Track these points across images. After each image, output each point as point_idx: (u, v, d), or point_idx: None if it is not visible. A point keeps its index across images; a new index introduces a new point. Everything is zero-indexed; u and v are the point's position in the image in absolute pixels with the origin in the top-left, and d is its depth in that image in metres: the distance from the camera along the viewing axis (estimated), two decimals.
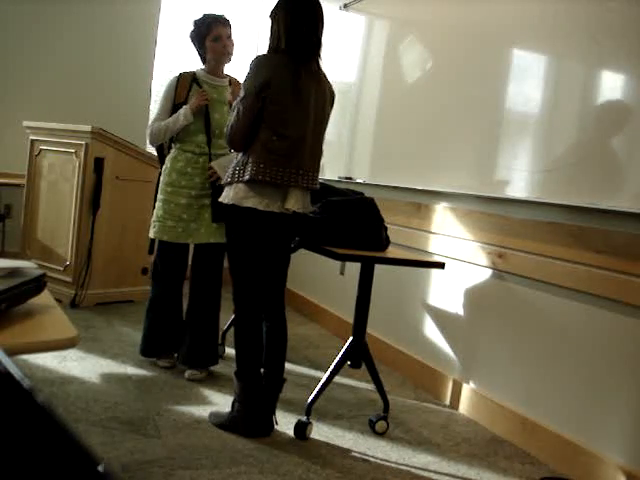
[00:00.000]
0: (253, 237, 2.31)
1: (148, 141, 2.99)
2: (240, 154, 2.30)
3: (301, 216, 2.37)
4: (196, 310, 2.95)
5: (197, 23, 2.87)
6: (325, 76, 2.37)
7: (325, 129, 2.40)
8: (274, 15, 2.28)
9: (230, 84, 2.96)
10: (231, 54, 2.89)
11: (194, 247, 2.94)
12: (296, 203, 2.27)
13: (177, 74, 2.93)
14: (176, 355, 2.98)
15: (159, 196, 2.89)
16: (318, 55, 2.30)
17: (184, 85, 2.87)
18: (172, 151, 2.90)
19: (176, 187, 2.83)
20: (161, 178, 2.91)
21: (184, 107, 2.80)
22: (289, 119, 2.23)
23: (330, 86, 2.40)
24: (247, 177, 2.20)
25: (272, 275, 2.43)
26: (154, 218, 2.88)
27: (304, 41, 2.24)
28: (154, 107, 5.01)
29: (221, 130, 2.80)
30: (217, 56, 2.85)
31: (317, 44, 2.28)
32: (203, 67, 2.94)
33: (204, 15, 2.88)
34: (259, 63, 2.24)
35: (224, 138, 2.45)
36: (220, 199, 2.33)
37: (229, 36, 2.86)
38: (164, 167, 2.92)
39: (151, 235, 2.90)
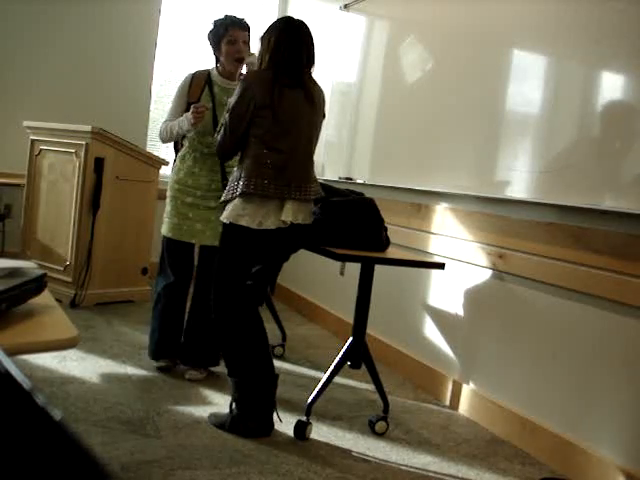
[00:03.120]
0: (247, 254, 2.34)
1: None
2: (235, 171, 2.35)
3: (302, 227, 2.36)
4: (198, 311, 2.93)
5: (216, 23, 2.83)
6: (319, 95, 2.42)
7: (316, 144, 2.45)
8: (262, 38, 2.36)
9: None
10: (244, 59, 2.81)
11: (200, 248, 2.93)
12: (293, 215, 2.28)
13: (192, 72, 2.91)
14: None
15: (168, 193, 2.92)
16: (306, 74, 2.35)
17: (198, 84, 2.85)
18: (182, 149, 2.91)
19: (182, 185, 2.85)
20: (171, 175, 2.95)
21: (185, 115, 2.76)
22: (279, 133, 2.28)
23: (324, 103, 2.45)
24: (239, 191, 2.25)
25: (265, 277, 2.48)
26: (165, 214, 2.93)
27: (287, 62, 2.29)
28: (154, 107, 5.02)
29: None
30: (229, 59, 2.81)
31: (301, 64, 2.32)
32: (217, 67, 2.91)
33: (225, 16, 2.84)
34: (247, 80, 2.31)
35: None
36: (221, 218, 2.36)
37: (245, 41, 2.82)
38: (174, 165, 2.93)
39: (162, 231, 2.93)
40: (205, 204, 2.82)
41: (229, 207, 2.31)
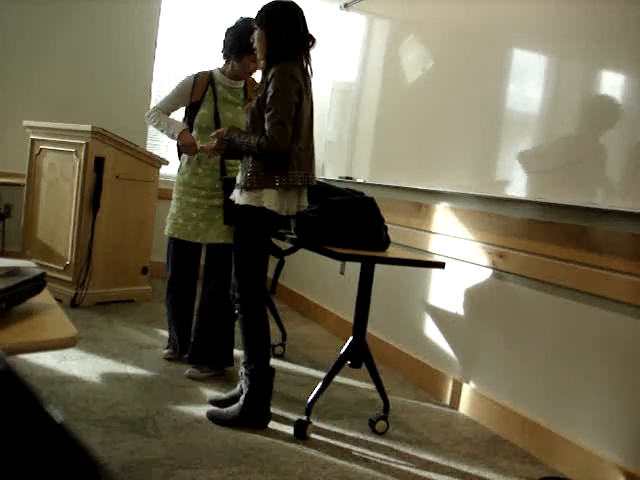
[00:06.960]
0: (266, 235, 2.43)
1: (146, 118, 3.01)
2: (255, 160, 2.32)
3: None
4: (208, 310, 2.92)
5: (244, 34, 2.67)
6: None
7: None
8: (271, 26, 2.29)
9: (245, 84, 2.96)
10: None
11: (206, 247, 2.94)
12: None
13: (194, 73, 2.95)
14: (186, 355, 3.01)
15: (174, 195, 2.97)
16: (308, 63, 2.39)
17: (201, 85, 2.90)
18: None
19: (187, 187, 2.89)
20: (176, 176, 2.99)
21: (181, 128, 2.82)
22: (306, 126, 2.34)
23: None
24: (278, 183, 2.27)
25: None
26: (169, 216, 2.96)
27: (306, 50, 2.32)
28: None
29: None
30: (245, 73, 2.88)
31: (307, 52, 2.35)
32: (220, 67, 2.94)
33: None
34: (290, 71, 2.26)
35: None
36: (242, 202, 2.35)
37: None
38: (179, 165, 2.98)
39: (165, 232, 2.98)
40: (210, 203, 2.85)
41: (259, 194, 2.30)
